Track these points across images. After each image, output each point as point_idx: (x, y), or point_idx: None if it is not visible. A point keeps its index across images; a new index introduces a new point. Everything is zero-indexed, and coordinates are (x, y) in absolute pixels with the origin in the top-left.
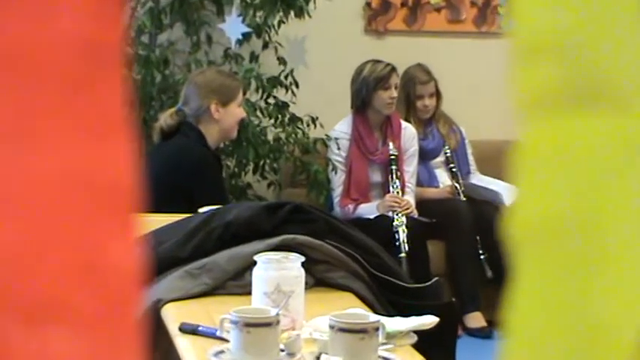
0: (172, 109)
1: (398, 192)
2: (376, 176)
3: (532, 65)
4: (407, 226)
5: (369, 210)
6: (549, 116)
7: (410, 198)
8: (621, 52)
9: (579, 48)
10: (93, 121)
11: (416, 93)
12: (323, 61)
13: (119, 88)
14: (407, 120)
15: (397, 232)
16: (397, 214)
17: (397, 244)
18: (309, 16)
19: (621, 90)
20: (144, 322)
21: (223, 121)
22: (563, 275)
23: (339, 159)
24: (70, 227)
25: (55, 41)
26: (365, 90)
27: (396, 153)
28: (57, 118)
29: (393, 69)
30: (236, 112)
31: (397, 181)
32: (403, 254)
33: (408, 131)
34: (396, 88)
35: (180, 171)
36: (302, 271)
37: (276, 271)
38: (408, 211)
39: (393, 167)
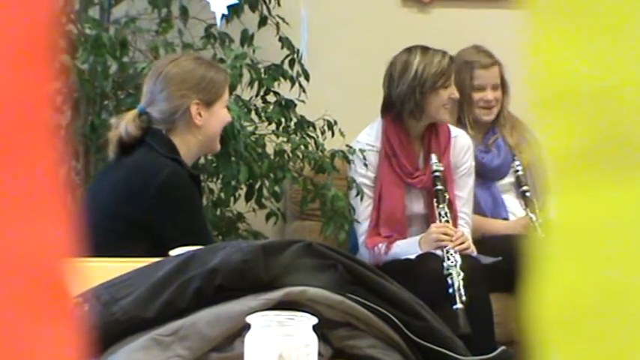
0: (134, 112)
1: (447, 221)
2: (417, 206)
3: (552, 120)
4: (462, 269)
5: (408, 248)
6: (577, 184)
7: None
8: None
9: (602, 98)
10: (17, 200)
11: (474, 82)
12: (344, 43)
13: (50, 155)
14: (459, 122)
15: (450, 275)
16: (448, 251)
17: (450, 291)
18: None
19: None
20: None
21: (207, 127)
22: None
23: (366, 181)
24: None
25: None
26: (419, 92)
27: (440, 168)
28: None
29: (452, 58)
30: (222, 114)
31: (445, 206)
32: (459, 305)
33: (460, 141)
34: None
35: (142, 198)
36: (314, 337)
37: (279, 337)
38: (464, 246)
39: (439, 187)
